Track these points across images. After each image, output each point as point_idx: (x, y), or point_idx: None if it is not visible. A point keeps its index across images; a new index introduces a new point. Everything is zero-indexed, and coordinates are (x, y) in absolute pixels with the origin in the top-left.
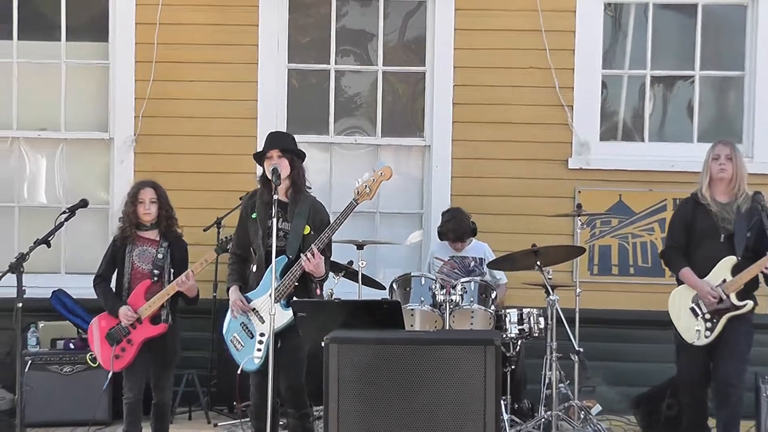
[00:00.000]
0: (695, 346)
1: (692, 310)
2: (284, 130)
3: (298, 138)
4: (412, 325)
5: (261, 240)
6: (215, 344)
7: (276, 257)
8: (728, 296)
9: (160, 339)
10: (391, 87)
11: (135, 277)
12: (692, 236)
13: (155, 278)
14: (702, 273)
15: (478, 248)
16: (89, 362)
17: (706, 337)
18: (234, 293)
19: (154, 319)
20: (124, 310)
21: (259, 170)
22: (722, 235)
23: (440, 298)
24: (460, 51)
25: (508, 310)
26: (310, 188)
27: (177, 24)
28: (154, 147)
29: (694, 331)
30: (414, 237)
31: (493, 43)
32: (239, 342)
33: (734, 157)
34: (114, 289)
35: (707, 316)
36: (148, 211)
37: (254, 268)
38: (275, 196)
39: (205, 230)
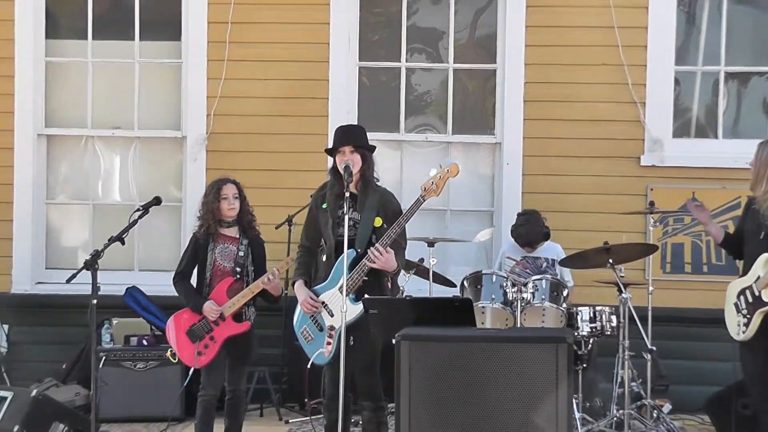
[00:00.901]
0: (743, 343)
1: (735, 305)
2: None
3: (373, 135)
4: (483, 323)
5: (331, 230)
6: (286, 341)
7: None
8: (759, 293)
9: (238, 336)
10: (461, 84)
11: (216, 275)
12: (744, 233)
13: (237, 276)
14: (747, 270)
15: (551, 249)
16: (170, 358)
17: (743, 332)
18: (301, 290)
19: (237, 316)
20: (209, 306)
21: (330, 162)
22: (762, 233)
23: (511, 295)
24: (531, 48)
25: (580, 308)
26: (378, 180)
27: (249, 23)
28: (226, 145)
29: (735, 326)
30: (484, 235)
31: (565, 39)
32: (309, 334)
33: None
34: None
35: (744, 311)
36: (232, 206)
37: (324, 258)
38: (347, 192)
39: (276, 228)
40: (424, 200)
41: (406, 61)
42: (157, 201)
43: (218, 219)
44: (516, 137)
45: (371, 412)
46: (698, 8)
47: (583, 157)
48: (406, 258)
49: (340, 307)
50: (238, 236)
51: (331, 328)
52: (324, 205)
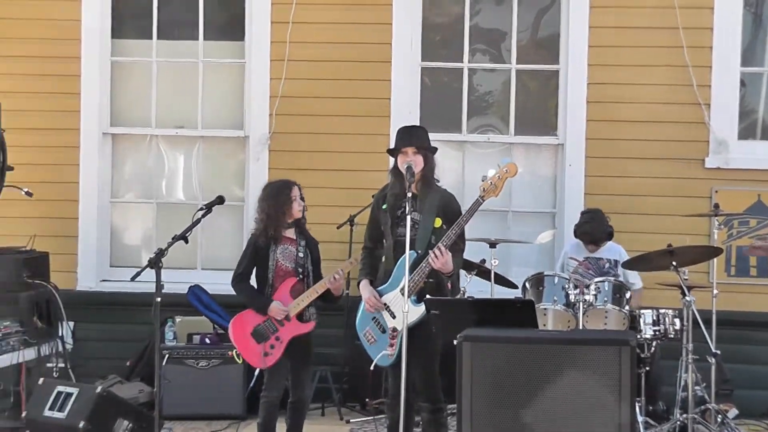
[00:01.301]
0: None
1: None
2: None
3: (434, 136)
4: (545, 325)
5: (390, 229)
6: (348, 341)
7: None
8: None
9: (301, 337)
10: (523, 85)
11: (278, 275)
12: None
13: (300, 276)
14: None
15: (614, 250)
16: (235, 358)
17: None
18: (366, 289)
19: (299, 316)
20: (276, 306)
21: (391, 162)
22: None
23: (573, 297)
24: (594, 49)
25: (642, 311)
26: (438, 182)
27: (310, 23)
28: (288, 145)
29: None
30: (545, 236)
31: (629, 40)
32: (372, 336)
33: None
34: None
35: None
36: (301, 207)
37: (384, 258)
38: (409, 193)
39: (338, 228)
40: (483, 201)
41: (469, 61)
42: (220, 200)
43: (287, 221)
44: (578, 138)
45: (430, 413)
46: (765, 9)
47: (647, 158)
48: (468, 259)
49: (402, 308)
50: (295, 237)
51: (394, 330)
52: (384, 206)
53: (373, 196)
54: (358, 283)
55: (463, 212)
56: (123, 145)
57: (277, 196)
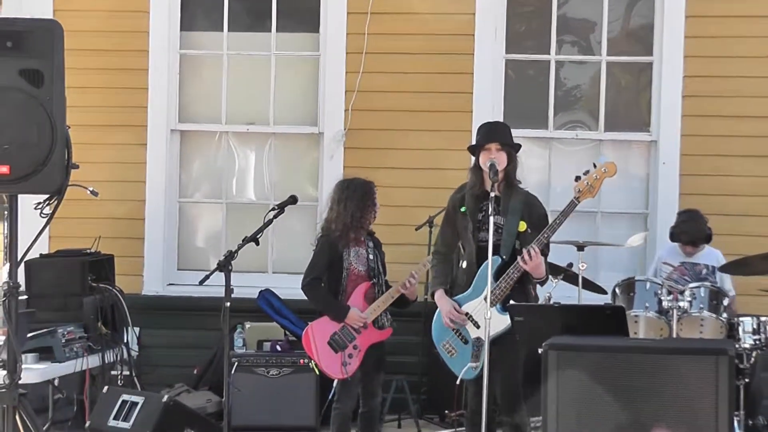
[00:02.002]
0: None
1: None
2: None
3: (514, 133)
4: (635, 333)
5: (471, 234)
6: (426, 349)
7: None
8: None
9: (375, 345)
10: (614, 78)
11: (350, 280)
12: None
13: (374, 280)
14: None
15: (711, 255)
16: (314, 369)
17: None
18: (443, 300)
19: (376, 323)
20: (355, 313)
21: (471, 161)
22: None
23: (667, 304)
24: (691, 39)
25: (742, 319)
26: (520, 183)
27: (389, 13)
28: (364, 141)
29: None
30: (636, 239)
31: (728, 30)
32: (453, 348)
33: None
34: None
35: None
36: (378, 210)
37: (464, 265)
38: (492, 194)
39: (416, 229)
40: (579, 202)
41: (556, 53)
42: (293, 200)
43: (368, 224)
44: (673, 135)
45: (513, 428)
46: None
47: (747, 156)
48: (555, 263)
49: (485, 316)
50: (364, 239)
51: (478, 340)
52: (463, 208)
53: (451, 198)
54: (432, 294)
55: (557, 214)
56: (191, 143)
57: (363, 197)
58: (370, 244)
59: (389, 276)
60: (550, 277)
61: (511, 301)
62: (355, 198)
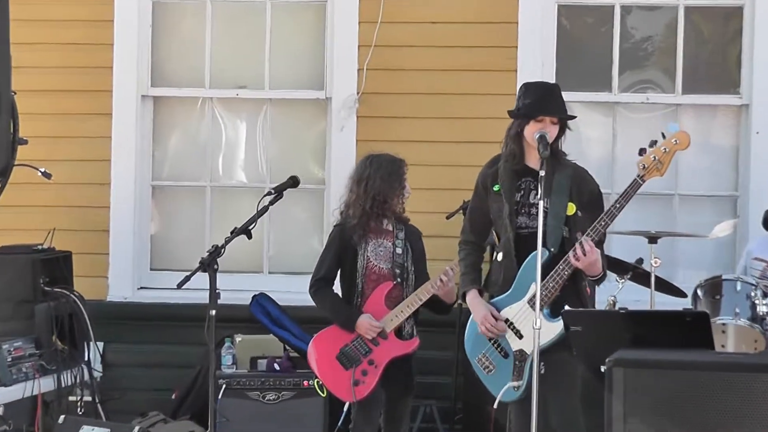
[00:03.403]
0: None
1: None
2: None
3: (569, 96)
4: (723, 345)
5: (508, 218)
6: (461, 367)
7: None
8: None
9: (400, 359)
10: (695, 28)
11: (369, 279)
12: None
13: (398, 280)
14: None
15: None
16: (317, 389)
17: None
18: (477, 304)
19: (399, 332)
20: (366, 321)
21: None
22: None
23: (762, 309)
24: None
25: None
26: (566, 154)
27: None
28: (382, 109)
29: None
30: (724, 228)
31: None
32: (490, 363)
33: None
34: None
35: None
36: (409, 193)
37: (500, 257)
38: (541, 172)
39: (448, 217)
40: (644, 181)
41: None
42: (293, 182)
43: (396, 209)
44: None
45: None
46: None
47: None
48: (620, 258)
49: (533, 324)
50: (391, 228)
51: (521, 353)
52: (496, 186)
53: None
54: (463, 295)
55: (617, 197)
56: (167, 112)
57: (390, 177)
58: (401, 235)
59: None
60: (615, 277)
61: (566, 306)
62: (379, 177)
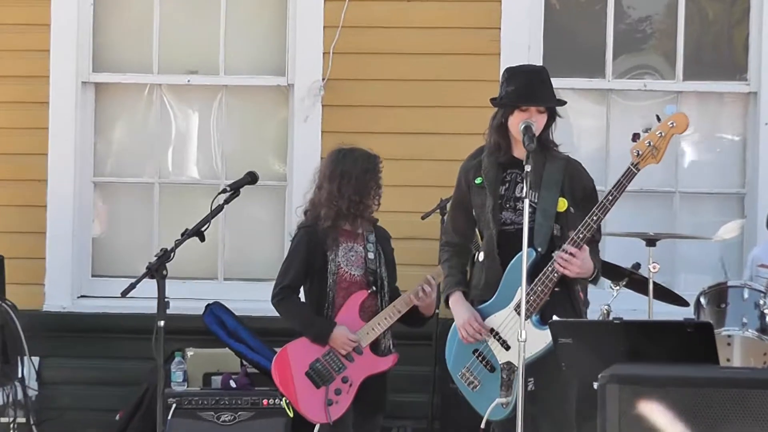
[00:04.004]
0: None
1: None
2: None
3: (558, 83)
4: (728, 360)
5: (491, 213)
6: (439, 383)
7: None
8: None
9: (374, 376)
10: (698, 7)
11: (341, 288)
12: None
13: (372, 288)
14: None
15: None
16: (286, 409)
17: None
18: (461, 307)
19: (374, 346)
20: (342, 334)
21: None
22: None
23: None
24: None
25: None
26: (557, 146)
27: None
28: (351, 97)
29: None
30: (729, 229)
31: None
32: (475, 378)
33: None
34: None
35: None
36: (381, 192)
37: (481, 257)
38: (527, 167)
39: (423, 217)
40: (639, 170)
41: None
42: (251, 178)
43: (369, 211)
44: None
45: None
46: None
47: None
48: (614, 263)
49: (519, 334)
50: (361, 231)
51: (509, 366)
52: (478, 180)
53: (461, 169)
54: (446, 299)
55: (610, 188)
56: (111, 100)
57: (365, 175)
58: (371, 238)
59: (400, 283)
60: (610, 284)
61: (554, 317)
62: (355, 174)
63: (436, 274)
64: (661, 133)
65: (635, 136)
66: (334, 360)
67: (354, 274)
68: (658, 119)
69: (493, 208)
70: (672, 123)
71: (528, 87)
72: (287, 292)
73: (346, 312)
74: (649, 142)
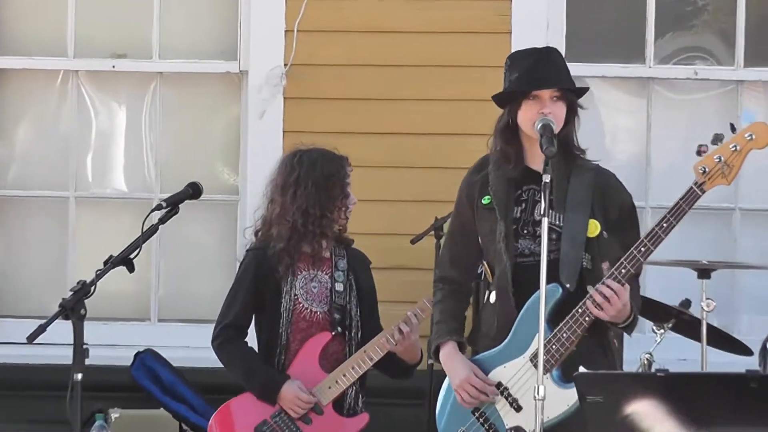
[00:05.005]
0: None
1: None
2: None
3: (585, 69)
4: None
5: (504, 242)
6: None
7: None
8: None
9: None
10: None
11: (297, 328)
12: None
13: (338, 329)
14: None
15: None
16: None
17: None
18: (455, 362)
19: (339, 405)
20: (293, 391)
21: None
22: None
23: None
24: None
25: None
26: (583, 152)
27: None
28: (319, 87)
29: None
30: None
31: None
32: None
33: None
34: (257, 351)
35: None
36: (354, 204)
37: (492, 297)
38: (546, 177)
39: (413, 241)
40: (703, 192)
41: None
42: (192, 192)
43: (335, 227)
44: None
45: None
46: None
47: None
48: (656, 300)
49: (535, 393)
50: (329, 254)
51: (517, 430)
52: (486, 199)
53: (463, 182)
54: (435, 350)
55: (665, 214)
56: (16, 90)
57: (329, 179)
58: (341, 264)
59: (385, 325)
60: (652, 326)
61: (581, 368)
62: (312, 181)
63: (420, 308)
64: (735, 146)
65: (701, 150)
66: (286, 423)
67: (315, 311)
68: (733, 129)
69: (506, 236)
70: (750, 135)
71: (534, 68)
72: (229, 333)
73: (303, 360)
74: (720, 158)
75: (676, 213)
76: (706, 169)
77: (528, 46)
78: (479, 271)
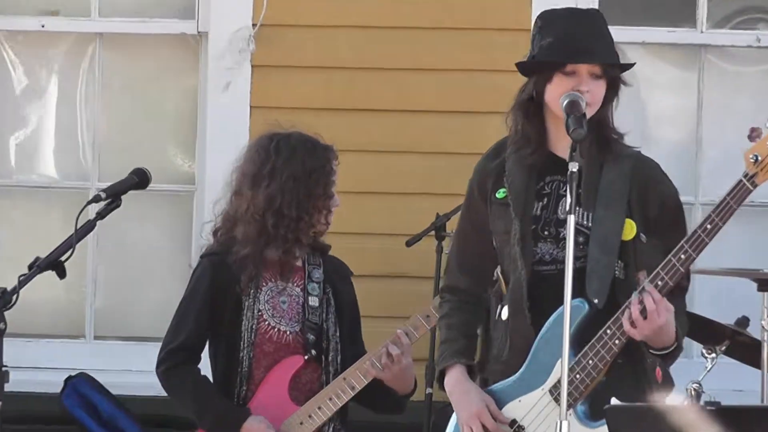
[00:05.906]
0: None
1: None
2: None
3: (622, 34)
4: None
5: (520, 245)
6: None
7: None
8: None
9: None
10: None
11: (262, 351)
12: None
13: (312, 352)
14: None
15: None
16: None
17: None
18: (465, 391)
19: None
20: (255, 428)
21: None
22: None
23: None
24: None
25: None
26: (621, 136)
27: None
28: (294, 54)
29: None
30: None
31: None
32: None
33: None
34: (213, 380)
35: None
36: (337, 205)
37: (504, 313)
38: (573, 166)
39: (409, 243)
40: (755, 186)
41: None
42: (139, 180)
43: (312, 230)
44: None
45: None
46: None
47: None
48: (706, 317)
49: (556, 427)
50: (302, 264)
51: None
52: (501, 192)
53: (475, 171)
54: (440, 376)
55: (712, 210)
56: None
57: (311, 174)
58: (316, 274)
59: (370, 346)
60: (702, 350)
61: (613, 399)
62: (293, 174)
63: (413, 325)
64: None
65: (753, 133)
66: None
67: (284, 331)
68: None
69: (522, 238)
70: None
71: (574, 36)
72: (178, 358)
73: (269, 390)
74: None
75: (723, 212)
76: (759, 158)
77: (552, 6)
78: (494, 279)
